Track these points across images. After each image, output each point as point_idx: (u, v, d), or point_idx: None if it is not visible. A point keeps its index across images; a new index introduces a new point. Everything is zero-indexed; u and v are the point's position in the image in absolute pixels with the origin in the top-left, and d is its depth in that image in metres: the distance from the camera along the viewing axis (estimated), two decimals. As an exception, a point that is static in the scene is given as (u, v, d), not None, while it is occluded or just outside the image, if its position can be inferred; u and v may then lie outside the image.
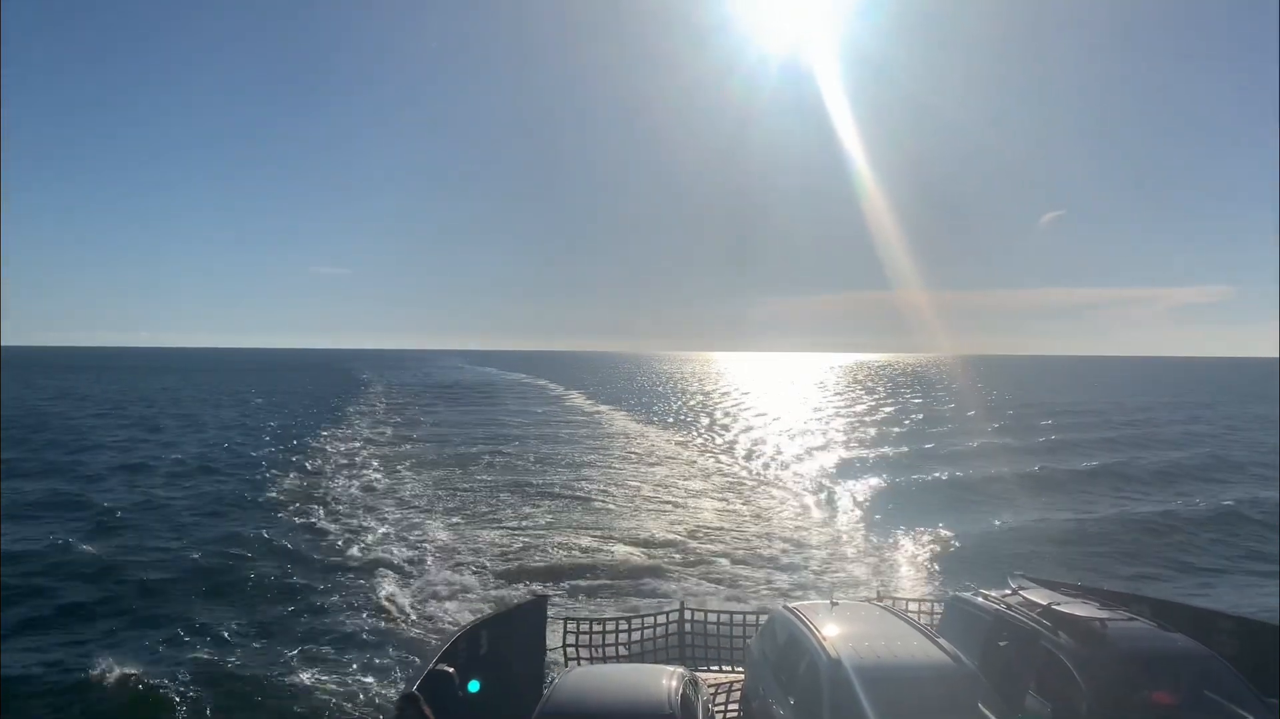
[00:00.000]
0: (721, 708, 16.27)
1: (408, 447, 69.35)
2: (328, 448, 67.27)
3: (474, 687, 10.86)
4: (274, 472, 54.72)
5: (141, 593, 29.49)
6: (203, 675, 22.09)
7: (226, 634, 25.59)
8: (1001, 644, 13.37)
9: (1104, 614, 12.92)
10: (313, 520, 40.76)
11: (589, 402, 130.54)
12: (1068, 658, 12.04)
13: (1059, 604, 13.26)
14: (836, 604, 14.07)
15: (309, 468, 56.50)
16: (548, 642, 17.48)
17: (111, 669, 22.20)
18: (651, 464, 62.30)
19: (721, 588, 30.52)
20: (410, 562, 33.49)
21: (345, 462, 60.06)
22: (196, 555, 33.79)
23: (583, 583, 31.06)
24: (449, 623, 25.61)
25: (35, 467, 56.66)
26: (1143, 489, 54.41)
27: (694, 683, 12.92)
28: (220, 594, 29.57)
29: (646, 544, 37.15)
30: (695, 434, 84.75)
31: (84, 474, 53.80)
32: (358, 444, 70.22)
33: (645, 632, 19.06)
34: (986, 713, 10.99)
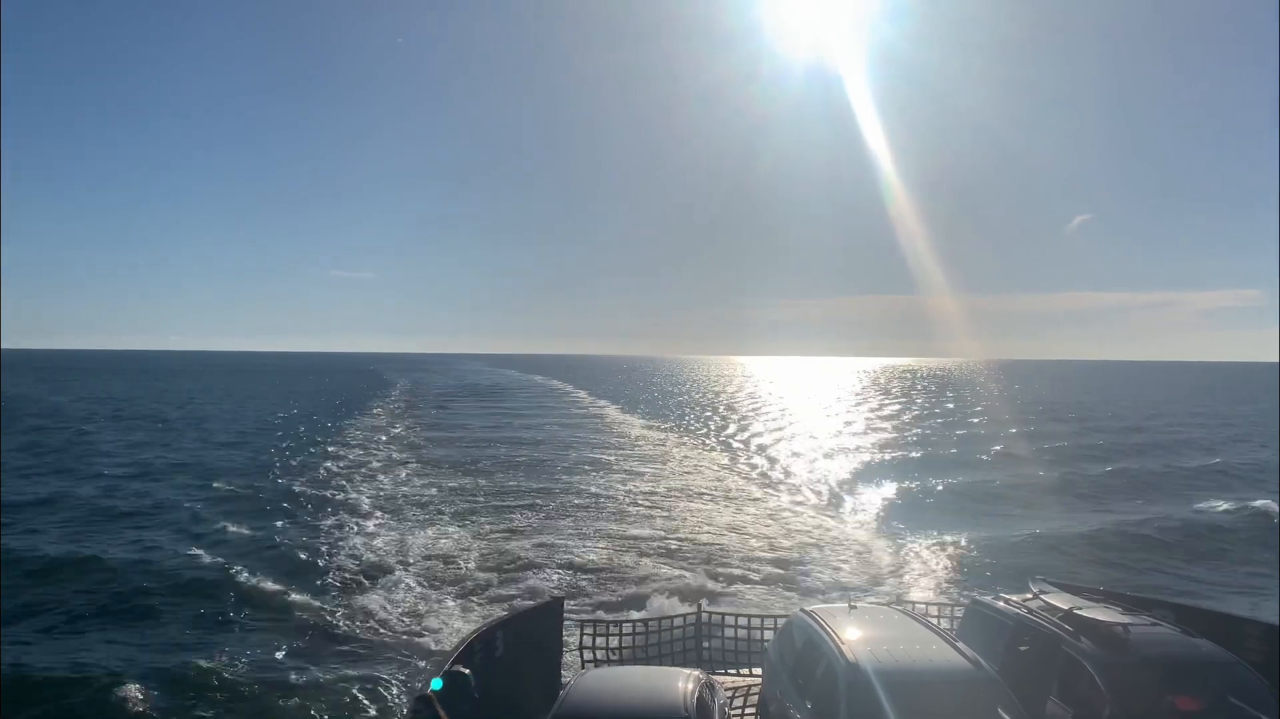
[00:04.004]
0: (739, 711, 16.15)
1: (426, 446, 69.63)
2: (351, 447, 67.67)
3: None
4: (296, 472, 55.10)
5: (149, 593, 29.52)
6: (215, 677, 22.12)
7: (238, 636, 25.73)
8: (1022, 649, 13.20)
9: (1127, 619, 12.72)
10: (329, 521, 40.95)
11: (607, 406, 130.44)
12: (1090, 663, 11.86)
13: (1081, 609, 13.06)
14: (855, 608, 13.94)
15: (330, 468, 56.82)
16: (564, 643, 17.43)
17: (113, 671, 22.36)
18: (670, 468, 62.20)
19: (739, 590, 30.37)
20: (425, 562, 33.58)
21: (366, 461, 60.37)
22: (212, 556, 33.91)
23: (599, 584, 31.00)
24: (464, 624, 25.60)
25: (50, 467, 57.44)
26: (1168, 493, 53.77)
27: (710, 686, 12.82)
28: (231, 595, 29.53)
29: (664, 546, 37.07)
30: (715, 438, 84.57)
31: (99, 475, 54.39)
32: (379, 443, 70.63)
33: (662, 634, 18.95)
34: (1006, 719, 10.84)
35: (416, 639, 25.15)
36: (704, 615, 19.41)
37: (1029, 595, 14.41)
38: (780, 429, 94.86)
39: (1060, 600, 13.71)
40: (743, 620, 19.30)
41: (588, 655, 18.07)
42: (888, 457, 69.77)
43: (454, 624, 26.21)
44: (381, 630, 25.97)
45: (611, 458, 66.41)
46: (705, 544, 37.78)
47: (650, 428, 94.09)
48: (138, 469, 57.26)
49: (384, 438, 77.63)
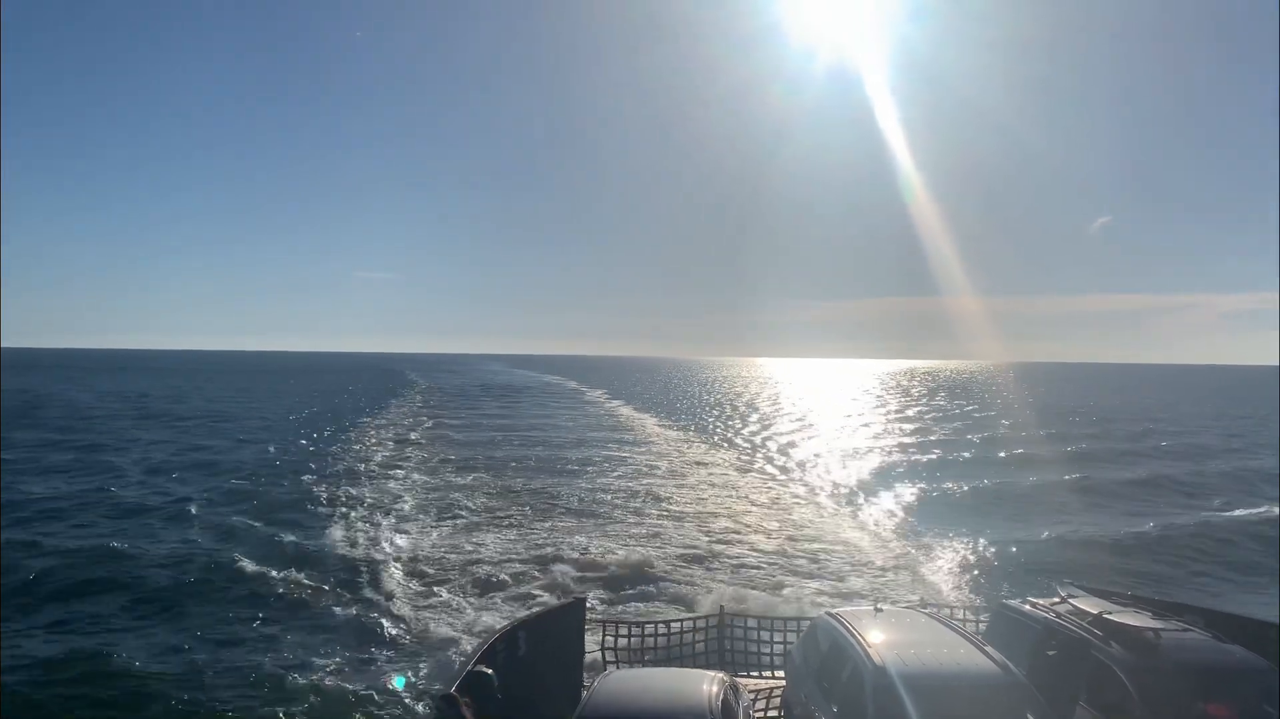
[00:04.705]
0: (762, 714, 16.06)
1: (447, 445, 69.73)
2: (373, 446, 67.89)
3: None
4: (318, 470, 55.34)
5: (170, 590, 29.78)
6: (236, 675, 22.23)
7: (260, 632, 25.85)
8: (1050, 653, 13.05)
9: (1157, 624, 12.57)
10: (351, 519, 41.10)
11: (626, 407, 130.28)
12: (1120, 668, 11.73)
13: (1110, 613, 12.91)
14: (881, 610, 13.82)
15: (353, 467, 57.00)
16: (586, 644, 17.38)
17: (135, 667, 22.55)
18: (691, 469, 62.05)
19: (762, 592, 30.23)
20: (446, 561, 33.64)
21: (387, 460, 60.56)
22: (233, 553, 34.10)
23: (621, 584, 30.94)
24: (487, 623, 25.60)
25: (74, 464, 57.99)
26: (1196, 498, 53.22)
27: (734, 688, 12.76)
28: (253, 592, 29.73)
29: (687, 547, 36.98)
30: (735, 439, 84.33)
31: (123, 472, 54.95)
32: (401, 442, 70.86)
33: (685, 635, 18.89)
34: (1035, 724, 10.71)
35: (439, 638, 25.17)
36: (727, 617, 19.33)
37: (1057, 599, 14.26)
38: (801, 430, 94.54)
39: (1089, 605, 13.54)
40: (765, 623, 19.22)
41: (609, 656, 18.02)
42: (909, 459, 69.39)
43: (477, 623, 26.23)
44: (404, 629, 26.02)
45: (630, 457, 66.32)
46: (726, 545, 37.67)
47: (670, 428, 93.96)
48: (161, 466, 57.69)
49: (406, 436, 77.87)
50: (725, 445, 78.55)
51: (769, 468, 64.17)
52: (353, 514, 42.29)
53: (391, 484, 51.45)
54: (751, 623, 19.20)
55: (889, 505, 48.61)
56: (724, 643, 19.02)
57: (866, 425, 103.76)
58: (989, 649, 12.17)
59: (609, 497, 48.81)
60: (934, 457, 70.89)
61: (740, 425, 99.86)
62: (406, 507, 44.57)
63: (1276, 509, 47.17)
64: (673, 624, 19.19)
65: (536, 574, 32.12)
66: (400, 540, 36.88)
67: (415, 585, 30.53)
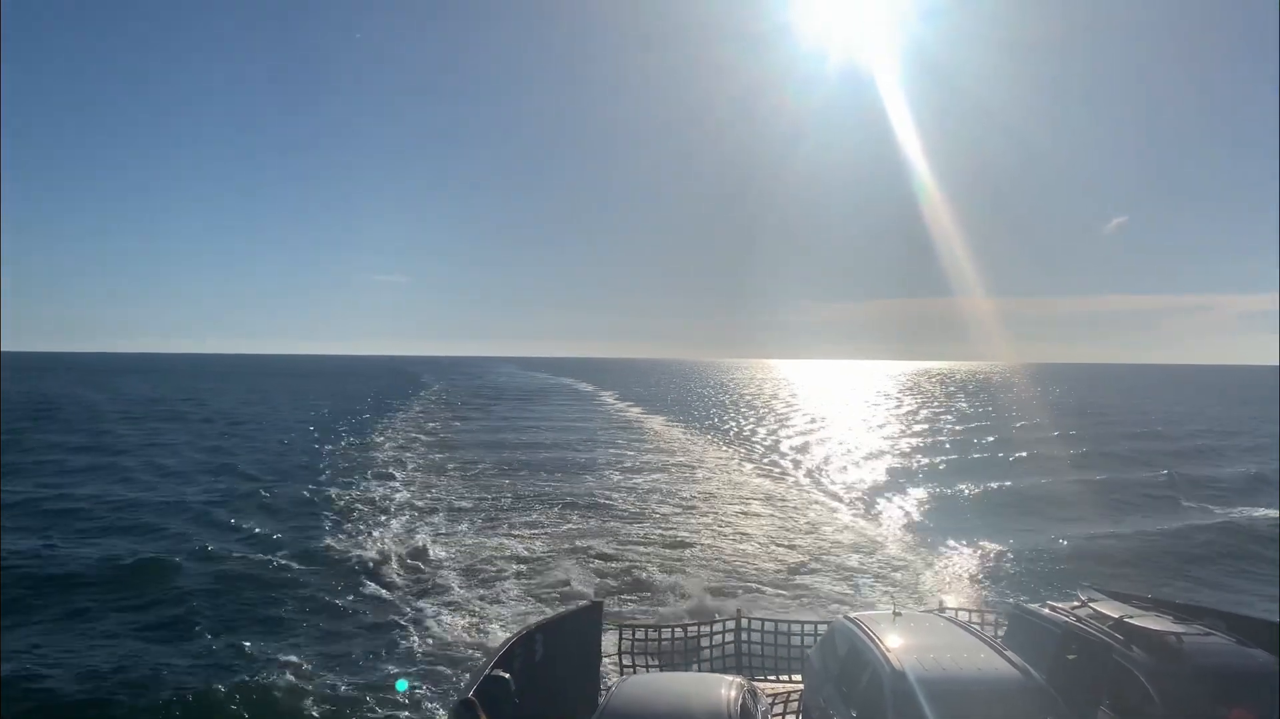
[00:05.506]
0: (780, 718, 16.01)
1: (462, 448, 69.91)
2: (389, 449, 68.09)
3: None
4: (335, 473, 55.57)
5: (184, 592, 29.89)
6: (252, 678, 22.18)
7: (275, 637, 25.86)
8: (1071, 658, 12.97)
9: (1179, 628, 12.48)
10: (367, 522, 41.20)
11: (640, 410, 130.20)
12: (1141, 673, 11.66)
13: (1131, 617, 12.82)
14: (899, 615, 13.77)
15: (369, 469, 57.20)
16: (603, 647, 17.35)
17: (139, 668, 22.74)
18: (705, 473, 62.00)
19: (779, 595, 30.19)
20: (463, 564, 33.69)
21: (404, 463, 60.74)
22: (249, 557, 34.27)
23: (638, 588, 30.95)
24: (504, 627, 25.60)
25: (100, 466, 58.25)
26: (1215, 500, 52.91)
27: (753, 693, 12.71)
28: (267, 596, 29.82)
29: (703, 549, 36.95)
30: (749, 443, 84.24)
31: (140, 475, 55.29)
32: (416, 444, 71.00)
33: (702, 639, 18.87)
34: (1056, 729, 10.65)
35: (456, 642, 25.19)
36: (744, 621, 19.29)
37: (1077, 603, 14.16)
38: (814, 433, 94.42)
39: (1110, 609, 13.44)
40: (782, 626, 19.17)
41: (626, 660, 18.01)
42: (922, 461, 69.23)
43: (493, 627, 26.24)
44: (420, 633, 26.04)
45: (644, 458, 66.36)
46: (743, 547, 37.65)
47: (684, 431, 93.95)
48: (180, 467, 58.00)
49: (428, 438, 78.23)
50: (739, 449, 78.51)
51: (782, 470, 64.11)
52: (369, 515, 42.44)
53: (407, 489, 51.59)
54: (769, 626, 19.15)
55: (905, 506, 48.55)
56: (741, 647, 18.98)
57: (881, 426, 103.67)
58: (1009, 653, 12.12)
59: (625, 498, 48.84)
60: (948, 458, 70.74)
61: (754, 426, 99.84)
62: (424, 507, 44.76)
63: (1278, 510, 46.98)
64: (690, 628, 19.18)
65: (553, 576, 32.14)
66: (417, 541, 36.92)
67: (432, 587, 30.60)
